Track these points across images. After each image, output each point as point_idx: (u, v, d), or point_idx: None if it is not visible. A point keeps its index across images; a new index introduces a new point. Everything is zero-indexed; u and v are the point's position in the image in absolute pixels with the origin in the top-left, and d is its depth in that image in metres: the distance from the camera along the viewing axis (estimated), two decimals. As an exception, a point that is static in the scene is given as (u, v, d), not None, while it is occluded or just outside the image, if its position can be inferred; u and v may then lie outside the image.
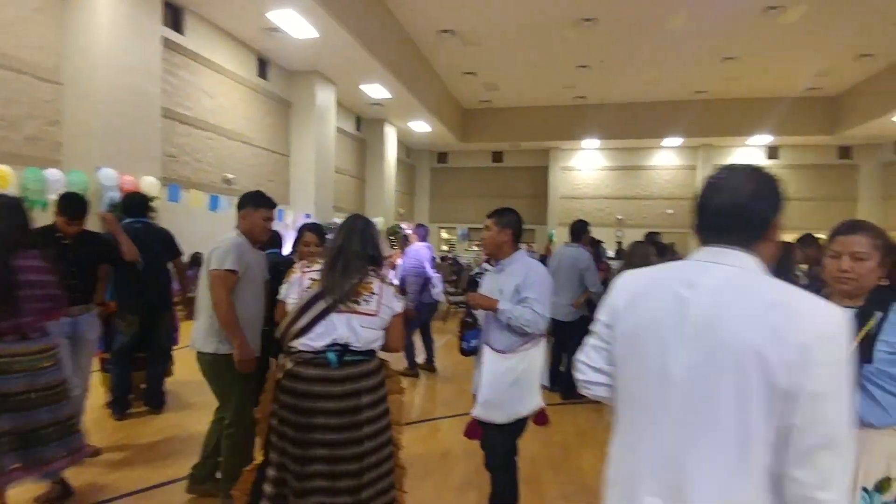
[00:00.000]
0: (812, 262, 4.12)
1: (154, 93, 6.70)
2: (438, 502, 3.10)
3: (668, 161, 17.19)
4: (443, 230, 19.49)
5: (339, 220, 7.35)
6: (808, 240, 4.35)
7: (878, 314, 1.62)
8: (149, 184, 6.42)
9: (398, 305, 2.18)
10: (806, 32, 10.35)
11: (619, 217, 17.22)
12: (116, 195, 5.82)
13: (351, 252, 2.12)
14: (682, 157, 17.02)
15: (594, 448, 3.87)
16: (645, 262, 2.59)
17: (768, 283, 1.02)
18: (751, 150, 16.60)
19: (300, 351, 2.04)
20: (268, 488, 2.08)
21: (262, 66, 9.18)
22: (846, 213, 16.06)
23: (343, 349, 2.02)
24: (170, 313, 4.36)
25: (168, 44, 7.13)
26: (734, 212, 1.06)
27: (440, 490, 3.24)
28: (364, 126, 13.43)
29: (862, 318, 1.63)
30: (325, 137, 10.10)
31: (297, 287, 2.11)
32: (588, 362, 1.27)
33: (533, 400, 2.48)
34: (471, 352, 2.63)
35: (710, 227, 1.10)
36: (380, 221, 12.99)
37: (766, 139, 15.63)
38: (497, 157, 18.47)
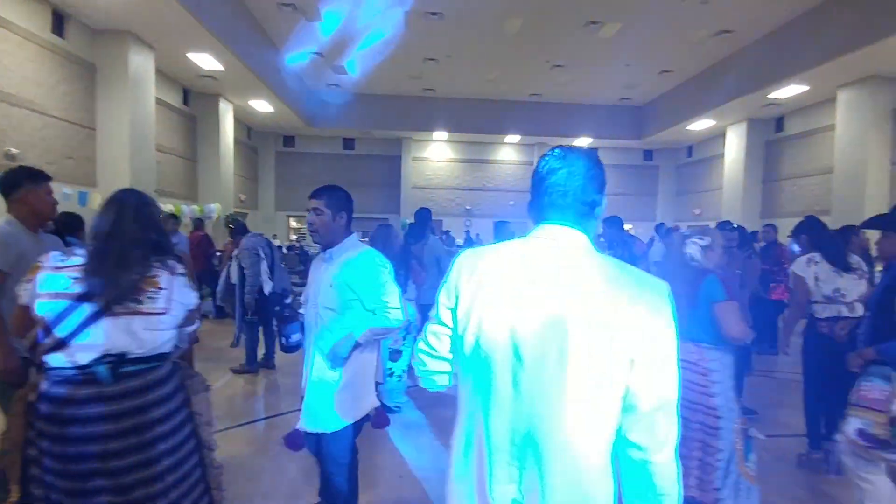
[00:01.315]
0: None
1: None
2: (268, 500, 2.95)
3: (510, 156, 18.48)
4: (291, 218, 18.51)
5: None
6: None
7: None
8: None
9: (192, 299, 1.84)
10: (619, 48, 11.82)
11: (468, 207, 18.09)
12: None
13: (126, 238, 1.72)
14: (521, 154, 18.41)
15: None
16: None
17: (602, 259, 1.06)
18: (578, 150, 18.59)
19: (59, 367, 1.64)
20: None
21: (59, 20, 7.62)
22: (649, 206, 19.02)
23: (118, 360, 1.66)
24: None
25: None
26: (570, 191, 1.08)
27: (273, 487, 3.09)
28: (194, 100, 11.98)
29: None
30: (142, 109, 8.77)
31: (42, 288, 1.67)
32: (428, 350, 1.18)
33: (366, 402, 2.28)
34: (293, 347, 2.41)
35: (546, 205, 1.10)
36: (216, 208, 11.80)
37: (589, 141, 17.63)
38: (349, 143, 18.04)
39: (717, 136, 15.73)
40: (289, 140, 17.89)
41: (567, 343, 0.97)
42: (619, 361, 0.97)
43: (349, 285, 2.15)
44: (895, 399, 2.27)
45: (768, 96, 11.85)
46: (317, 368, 2.20)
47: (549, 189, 1.10)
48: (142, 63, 8.75)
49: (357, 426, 2.28)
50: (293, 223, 18.60)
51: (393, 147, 17.79)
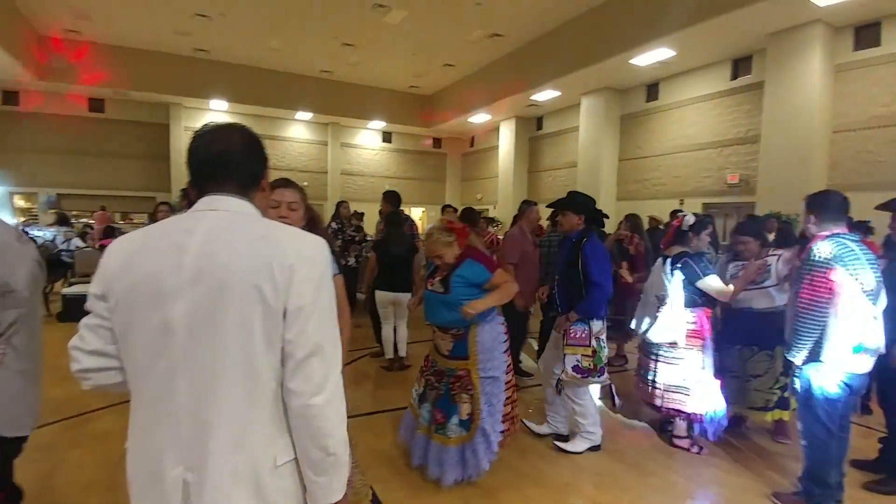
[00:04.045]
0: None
1: None
2: None
3: (302, 134, 17.55)
4: (17, 196, 14.62)
5: None
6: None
7: None
8: None
9: None
10: (406, 36, 12.06)
11: (255, 187, 16.67)
12: None
13: None
14: (314, 133, 17.67)
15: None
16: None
17: (259, 222, 1.06)
18: (371, 133, 18.63)
19: None
20: None
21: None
22: (438, 191, 20.22)
23: None
24: None
25: None
26: (228, 161, 1.07)
27: None
28: None
29: None
30: None
31: None
32: (83, 346, 1.04)
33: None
34: None
35: (206, 177, 1.08)
36: None
37: (382, 124, 17.82)
38: (97, 105, 14.85)
39: (494, 130, 17.43)
40: (10, 96, 13.93)
41: (224, 310, 0.97)
42: (274, 316, 0.99)
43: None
44: (592, 337, 3.08)
45: (530, 98, 13.50)
46: None
47: (205, 160, 1.09)
48: None
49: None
50: (20, 202, 14.73)
51: (158, 113, 15.26)
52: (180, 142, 15.34)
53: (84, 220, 13.48)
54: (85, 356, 1.04)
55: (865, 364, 2.42)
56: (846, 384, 2.43)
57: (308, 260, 1.01)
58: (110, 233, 9.78)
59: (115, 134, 15.05)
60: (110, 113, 14.99)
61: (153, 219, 4.51)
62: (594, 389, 3.42)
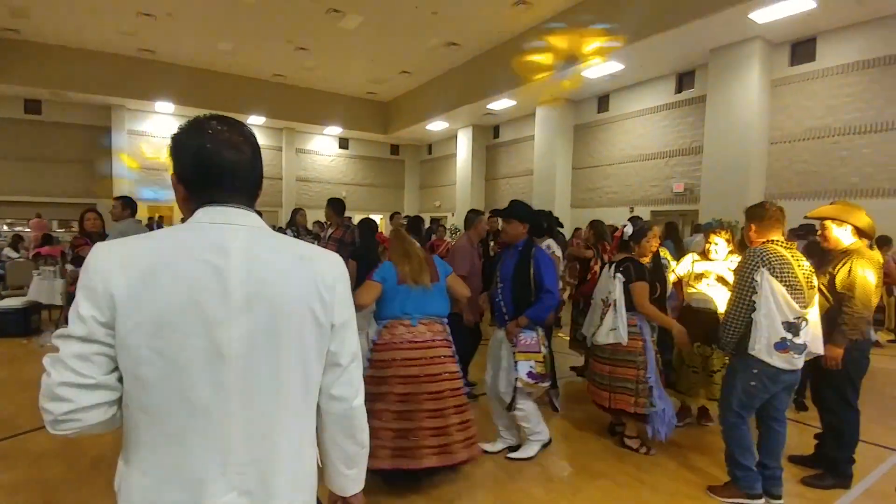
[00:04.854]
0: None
1: None
2: None
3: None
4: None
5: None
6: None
7: None
8: None
9: None
10: (362, 42, 11.97)
11: (205, 193, 16.06)
12: None
13: None
14: (269, 138, 17.25)
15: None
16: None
17: (283, 239, 1.05)
18: (327, 139, 18.37)
19: None
20: None
21: None
22: (396, 198, 20.13)
23: None
24: None
25: None
26: (245, 169, 1.00)
27: None
28: None
29: None
30: None
31: None
32: (80, 382, 0.89)
33: None
34: None
35: (217, 186, 0.98)
36: None
37: (339, 130, 17.60)
38: (33, 106, 13.99)
39: (451, 138, 17.53)
40: (-69, 93, 12.96)
41: (282, 332, 0.99)
42: (323, 332, 1.04)
43: None
44: (542, 343, 3.12)
45: (487, 107, 13.66)
46: None
47: (219, 167, 0.99)
48: None
49: None
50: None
51: (100, 116, 14.51)
52: (124, 146, 14.64)
53: (18, 228, 12.59)
54: (82, 393, 0.89)
55: (788, 361, 2.56)
56: (767, 377, 2.59)
57: (343, 277, 1.09)
58: (48, 240, 9.18)
59: (52, 137, 14.21)
60: (47, 115, 14.15)
61: (81, 226, 4.23)
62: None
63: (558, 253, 4.29)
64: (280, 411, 0.99)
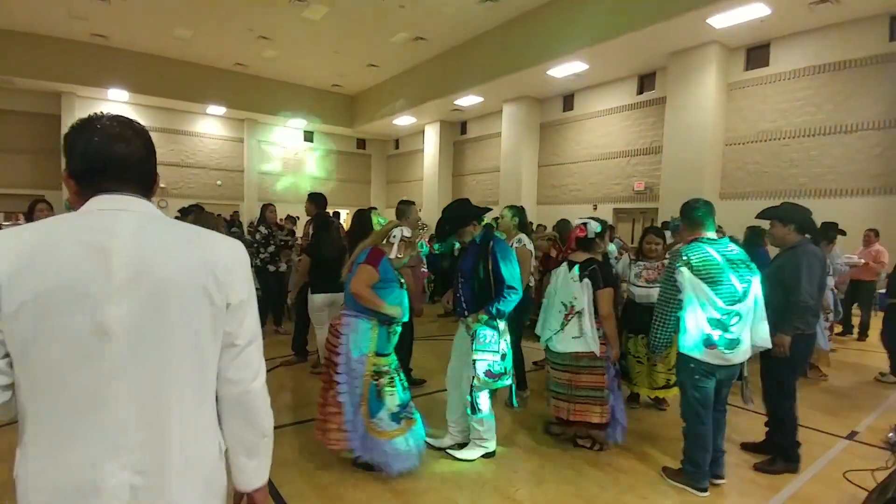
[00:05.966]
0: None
1: None
2: None
3: (216, 130, 16.58)
4: None
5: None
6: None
7: None
8: None
9: None
10: (328, 33, 11.76)
11: (163, 185, 15.48)
12: None
13: None
14: (229, 128, 16.77)
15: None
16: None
17: (179, 225, 1.07)
18: (291, 131, 17.99)
19: None
20: None
21: None
22: (363, 193, 19.93)
23: None
24: None
25: None
26: (133, 162, 1.03)
27: None
28: None
29: None
30: None
31: None
32: None
33: None
34: None
35: (108, 176, 1.01)
36: None
37: (303, 123, 17.26)
38: (-27, 91, 13.18)
39: (419, 133, 17.46)
40: None
41: (170, 311, 0.98)
42: (218, 313, 1.04)
43: None
44: (502, 340, 2.99)
45: (454, 102, 13.67)
46: None
47: (109, 158, 1.01)
48: None
49: None
50: None
51: (50, 103, 13.77)
52: (74, 134, 13.91)
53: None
54: None
55: (718, 357, 2.62)
56: (702, 373, 2.67)
57: (242, 262, 1.10)
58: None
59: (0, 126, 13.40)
60: (-9, 102, 13.33)
61: (30, 218, 3.99)
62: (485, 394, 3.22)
63: (530, 247, 4.23)
64: (171, 392, 0.98)
